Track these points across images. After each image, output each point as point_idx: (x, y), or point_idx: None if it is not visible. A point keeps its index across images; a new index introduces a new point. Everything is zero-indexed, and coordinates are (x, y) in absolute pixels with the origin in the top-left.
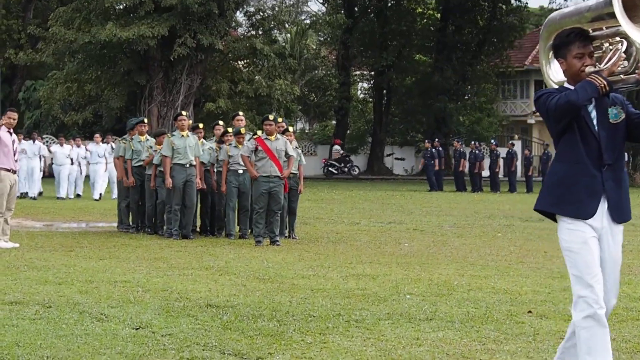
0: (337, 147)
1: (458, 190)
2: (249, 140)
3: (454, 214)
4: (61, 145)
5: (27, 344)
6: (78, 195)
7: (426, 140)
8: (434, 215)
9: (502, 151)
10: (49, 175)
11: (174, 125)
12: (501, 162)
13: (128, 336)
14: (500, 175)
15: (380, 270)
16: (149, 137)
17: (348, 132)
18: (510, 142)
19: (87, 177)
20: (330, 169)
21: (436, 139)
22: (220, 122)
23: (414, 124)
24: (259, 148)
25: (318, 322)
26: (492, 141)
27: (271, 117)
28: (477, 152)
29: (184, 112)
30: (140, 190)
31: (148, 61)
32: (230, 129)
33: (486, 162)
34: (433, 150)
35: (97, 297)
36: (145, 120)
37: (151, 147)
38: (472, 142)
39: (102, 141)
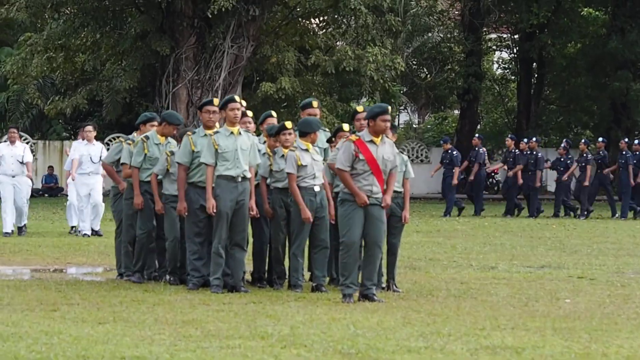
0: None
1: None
2: (341, 143)
3: None
4: (11, 143)
5: None
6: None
7: (565, 141)
8: (609, 256)
9: None
10: None
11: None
12: None
13: None
14: None
15: (528, 340)
16: (170, 138)
17: (478, 127)
18: None
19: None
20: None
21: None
22: (250, 113)
23: (579, 114)
24: (360, 157)
25: None
26: None
27: (389, 109)
28: None
29: (237, 98)
30: (154, 217)
31: (173, 18)
32: (289, 124)
33: None
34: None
35: None
36: (158, 119)
37: (172, 152)
38: None
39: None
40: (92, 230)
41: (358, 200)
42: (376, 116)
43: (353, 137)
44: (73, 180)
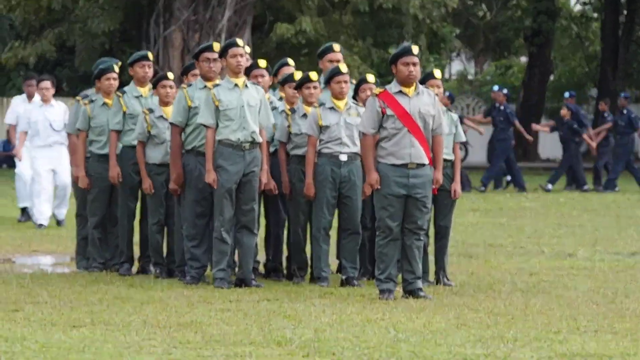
0: None
1: None
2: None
3: None
4: None
5: None
6: None
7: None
8: None
9: None
10: None
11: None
12: None
13: None
14: None
15: (615, 346)
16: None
17: (551, 78)
18: None
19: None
20: None
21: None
22: (262, 63)
23: None
24: (388, 112)
25: None
26: None
27: (415, 49)
28: None
29: (239, 42)
30: (136, 195)
31: None
32: (314, 75)
33: None
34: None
35: None
36: (150, 55)
37: (151, 109)
38: None
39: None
40: (55, 218)
41: (367, 179)
42: (396, 60)
43: (376, 90)
44: (20, 160)
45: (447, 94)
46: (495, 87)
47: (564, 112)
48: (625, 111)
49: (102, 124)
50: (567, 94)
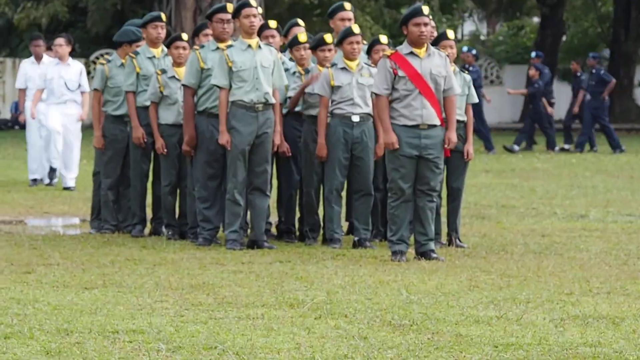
0: None
1: None
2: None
3: None
4: None
5: None
6: None
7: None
8: None
9: None
10: None
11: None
12: None
13: None
14: None
15: (628, 307)
16: (165, 48)
17: (564, 38)
18: None
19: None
20: None
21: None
22: (273, 24)
23: None
24: (399, 73)
25: None
26: None
27: (426, 10)
28: None
29: (253, 2)
30: (149, 156)
31: None
32: (329, 37)
33: None
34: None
35: None
36: (163, 16)
37: (164, 70)
38: None
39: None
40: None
41: (384, 140)
42: (407, 21)
43: (388, 51)
44: (33, 118)
45: (473, 51)
46: (464, 48)
47: (532, 72)
48: (594, 70)
49: (118, 84)
50: (533, 54)
